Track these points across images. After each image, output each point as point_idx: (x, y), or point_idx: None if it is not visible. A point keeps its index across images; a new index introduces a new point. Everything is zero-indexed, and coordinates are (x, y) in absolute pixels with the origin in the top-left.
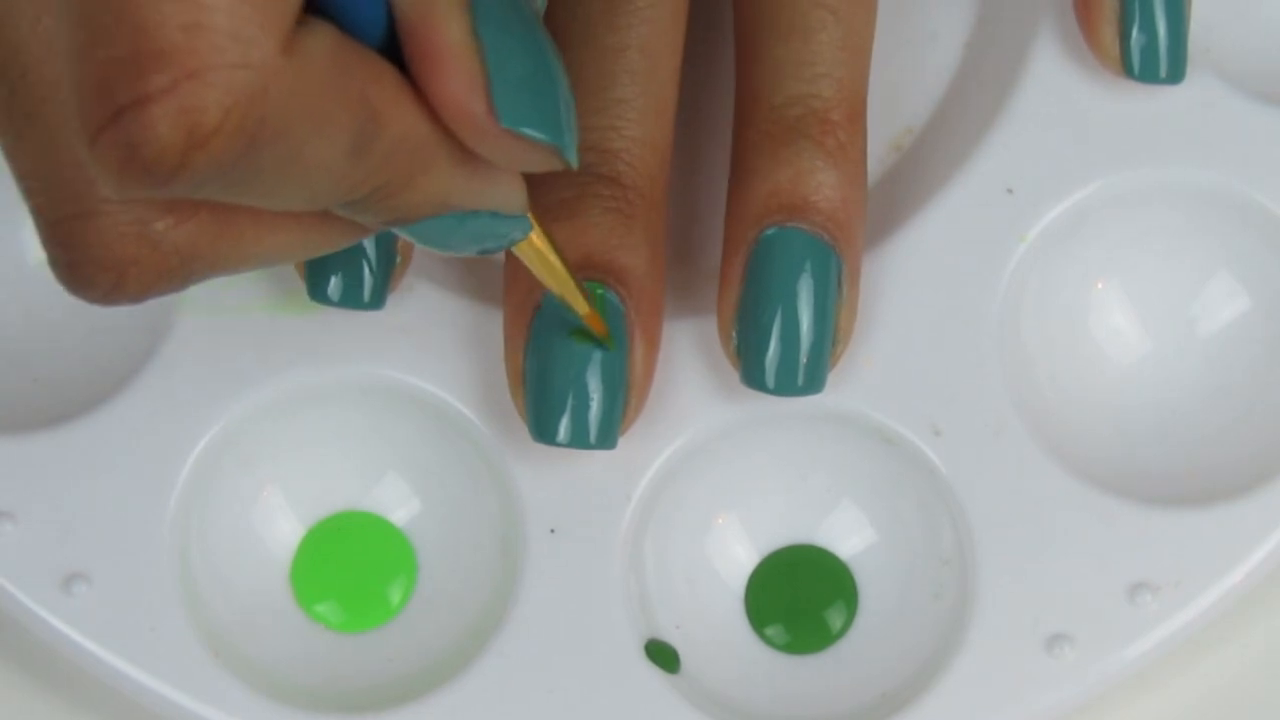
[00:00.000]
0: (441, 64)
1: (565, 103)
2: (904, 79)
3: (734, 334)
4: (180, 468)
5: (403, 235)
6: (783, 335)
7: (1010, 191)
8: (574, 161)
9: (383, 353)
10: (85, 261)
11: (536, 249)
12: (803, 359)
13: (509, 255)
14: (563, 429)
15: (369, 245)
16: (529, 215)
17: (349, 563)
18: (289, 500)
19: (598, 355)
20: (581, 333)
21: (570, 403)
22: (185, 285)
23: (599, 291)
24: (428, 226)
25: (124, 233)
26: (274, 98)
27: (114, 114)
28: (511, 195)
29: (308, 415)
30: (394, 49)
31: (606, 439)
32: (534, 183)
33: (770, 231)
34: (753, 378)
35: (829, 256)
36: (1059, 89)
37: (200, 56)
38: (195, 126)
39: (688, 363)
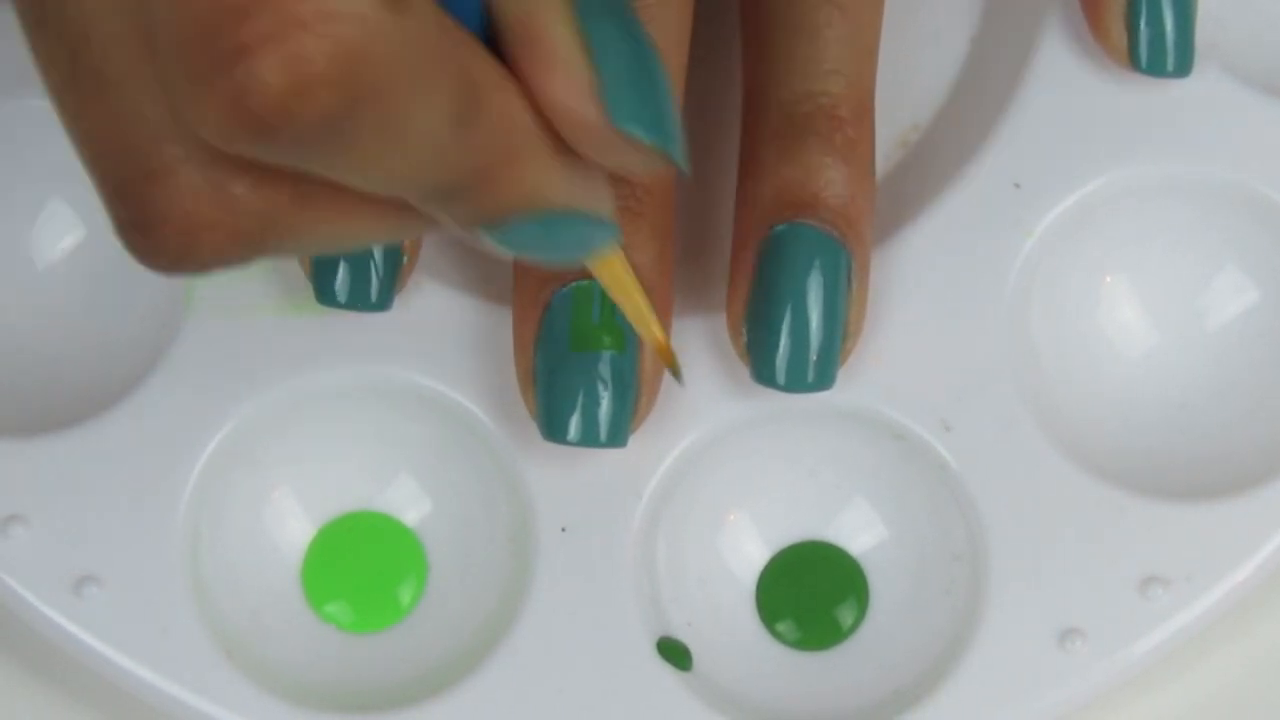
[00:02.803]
0: (549, 63)
1: (673, 102)
2: (910, 75)
3: (744, 330)
4: (190, 469)
5: (489, 240)
6: (793, 332)
7: (1017, 186)
8: (684, 166)
9: (393, 353)
10: (157, 222)
11: (614, 268)
12: (813, 355)
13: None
14: (573, 428)
15: (374, 247)
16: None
17: (359, 563)
18: (299, 501)
19: (607, 354)
20: (586, 338)
21: (580, 401)
22: (257, 256)
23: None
24: (517, 229)
25: (199, 192)
26: (379, 52)
27: (219, 61)
28: (602, 200)
29: (318, 416)
30: (489, 42)
31: (617, 437)
32: None
33: (780, 228)
34: (763, 374)
35: (839, 252)
36: (1065, 83)
37: (307, 4)
38: (301, 75)
39: (698, 360)
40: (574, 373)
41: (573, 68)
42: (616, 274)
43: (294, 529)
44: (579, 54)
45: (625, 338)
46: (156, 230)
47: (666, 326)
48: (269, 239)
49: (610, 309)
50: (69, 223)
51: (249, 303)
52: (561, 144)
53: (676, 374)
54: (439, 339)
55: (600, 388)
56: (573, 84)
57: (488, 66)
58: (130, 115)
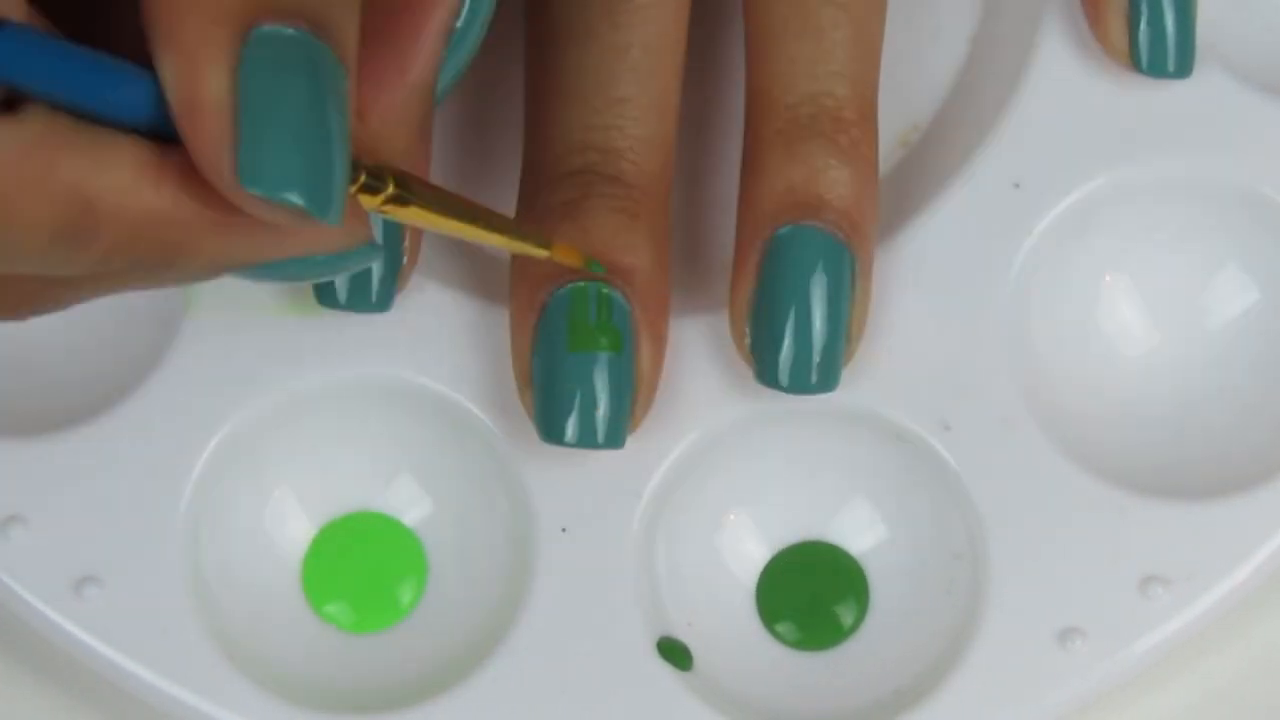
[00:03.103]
0: (193, 119)
1: (324, 161)
2: (910, 75)
3: (747, 331)
4: (191, 469)
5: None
6: (797, 333)
7: (1018, 186)
8: (333, 221)
9: (392, 353)
10: None
11: (424, 217)
12: (816, 357)
13: (514, 256)
14: (570, 429)
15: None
16: (415, 216)
17: (360, 563)
18: (299, 501)
19: (604, 355)
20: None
21: (578, 403)
22: (60, 307)
23: (604, 291)
24: (251, 273)
25: None
26: None
27: None
28: (321, 239)
29: (318, 416)
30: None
31: (615, 439)
32: (539, 185)
33: (785, 230)
34: (767, 375)
35: (843, 254)
36: (1065, 83)
37: None
38: None
39: (697, 360)
40: (571, 374)
41: (211, 125)
42: (425, 219)
43: (294, 529)
44: (222, 110)
45: (622, 339)
46: None
47: (664, 328)
48: (62, 296)
49: (608, 310)
50: None
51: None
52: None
53: (538, 248)
54: (439, 339)
55: (597, 389)
56: (208, 141)
57: (122, 171)
58: None
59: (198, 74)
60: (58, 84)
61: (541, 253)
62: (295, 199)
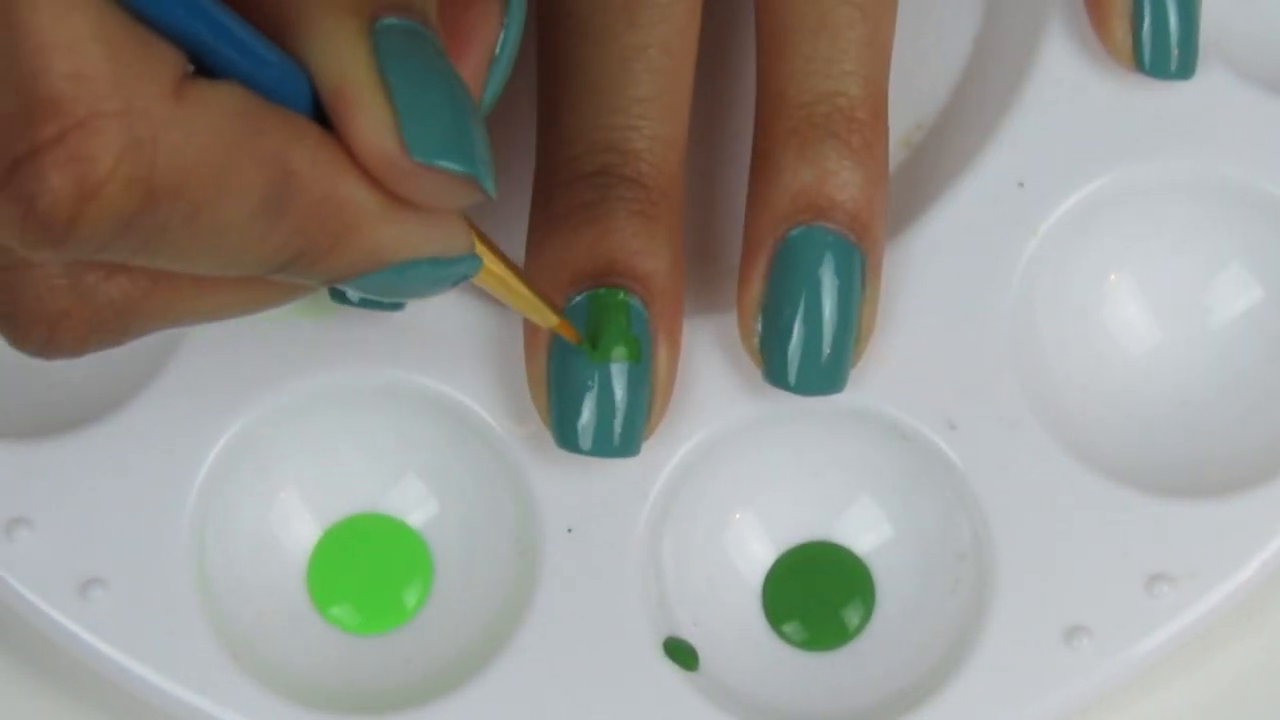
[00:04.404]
0: (350, 107)
1: (477, 132)
2: (914, 74)
3: (757, 331)
4: (197, 471)
5: (350, 290)
6: (806, 334)
7: (1022, 185)
8: (492, 191)
9: (400, 355)
10: (19, 314)
11: (496, 276)
12: (825, 358)
13: (528, 261)
14: (587, 437)
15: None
16: (479, 251)
17: (365, 565)
18: (305, 502)
19: (623, 364)
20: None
21: (595, 411)
22: (123, 339)
23: (620, 297)
24: (368, 281)
25: (54, 285)
26: (166, 146)
27: (10, 168)
28: (451, 239)
29: (324, 417)
30: (321, 117)
31: (630, 447)
32: (555, 187)
33: (796, 231)
34: (775, 375)
35: (853, 255)
36: (1069, 82)
37: (85, 104)
38: (85, 175)
39: (704, 359)
40: (587, 382)
41: (372, 108)
42: (494, 277)
43: (300, 531)
44: (378, 95)
45: (640, 347)
46: (18, 319)
47: (679, 333)
48: (130, 324)
49: (626, 318)
50: None
51: None
52: (396, 200)
53: (577, 342)
54: (445, 342)
55: (614, 397)
56: (371, 123)
57: (307, 146)
58: None
59: (345, 61)
60: (235, 55)
61: (551, 320)
62: (465, 167)
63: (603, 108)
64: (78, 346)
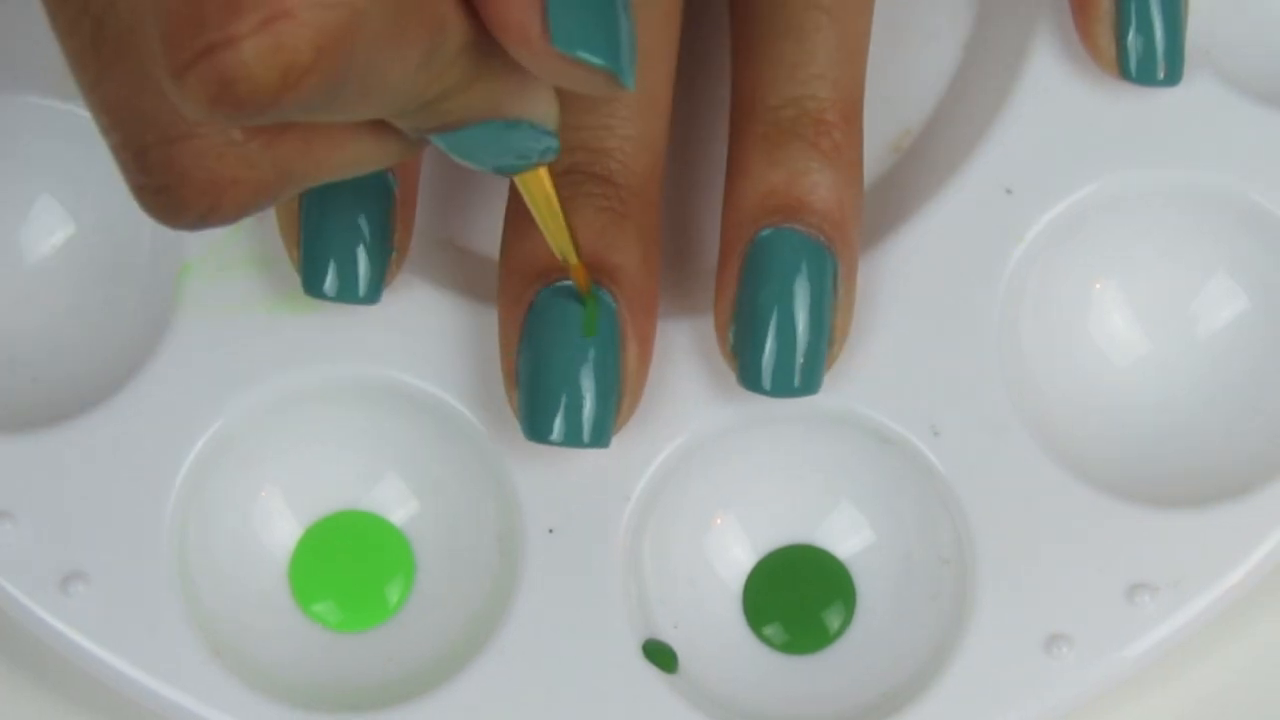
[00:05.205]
0: None
1: (625, 26)
2: (902, 80)
3: (730, 335)
4: (179, 467)
5: (440, 145)
6: (779, 336)
7: (1009, 192)
8: (631, 86)
9: (381, 352)
10: (179, 186)
11: (543, 185)
12: (799, 360)
13: (503, 255)
14: (556, 427)
15: (364, 238)
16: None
17: (347, 562)
18: (287, 500)
19: (591, 354)
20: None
21: (564, 401)
22: (277, 200)
23: (591, 289)
24: (469, 135)
25: (220, 153)
26: (362, 30)
27: (204, 50)
28: (550, 107)
29: (306, 414)
30: None
31: (600, 438)
32: None
33: (765, 233)
34: (749, 379)
35: (824, 257)
36: (1057, 90)
37: None
38: (290, 65)
39: (685, 362)
40: (557, 373)
41: None
42: (544, 191)
43: (282, 528)
44: None
45: (600, 328)
46: (179, 192)
47: (651, 329)
48: (287, 184)
49: (594, 308)
50: (59, 219)
51: (240, 300)
52: (513, 62)
53: (591, 313)
54: (427, 339)
55: (583, 388)
56: (518, 3)
57: (456, 3)
58: (149, 83)
59: None
60: None
61: (573, 259)
62: (606, 62)
63: (574, 107)
64: (238, 212)
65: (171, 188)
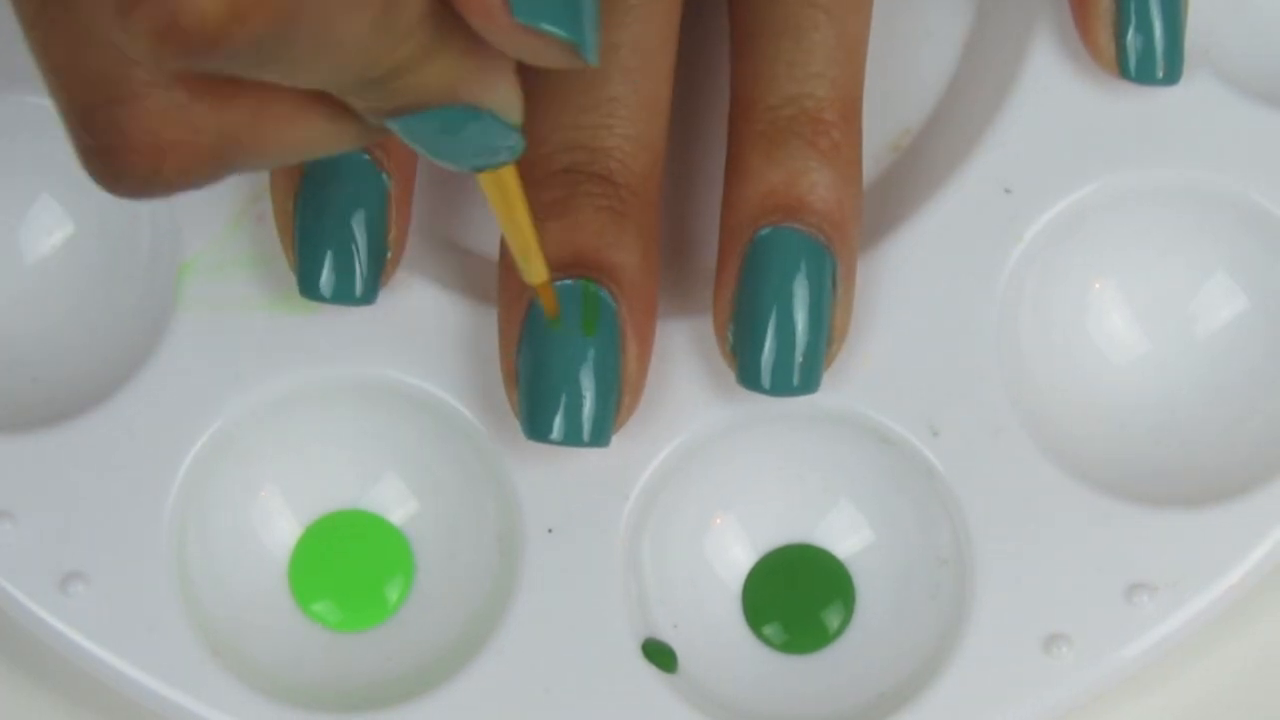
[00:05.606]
0: None
1: (589, 7)
2: (902, 79)
3: (729, 334)
4: (178, 467)
5: (403, 136)
6: (778, 335)
7: (1008, 191)
8: (594, 60)
9: (380, 351)
10: (123, 147)
11: (508, 187)
12: (798, 359)
13: (502, 255)
14: (556, 426)
15: (359, 239)
16: (522, 134)
17: (346, 562)
18: (286, 499)
19: (591, 353)
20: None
21: (563, 400)
22: (218, 174)
23: (591, 289)
24: (428, 124)
25: (164, 114)
26: None
27: None
28: (512, 97)
29: (305, 414)
30: None
31: (600, 437)
32: (527, 185)
33: (764, 232)
34: (748, 378)
35: (823, 256)
36: (1057, 89)
37: None
38: (238, 3)
39: (685, 362)
40: (557, 372)
41: None
42: (509, 195)
43: (281, 527)
44: None
45: (600, 326)
46: (122, 154)
47: (650, 327)
48: (232, 156)
49: (595, 307)
50: (58, 219)
51: (238, 301)
52: (473, 40)
53: (553, 317)
54: (426, 338)
55: (583, 387)
56: None
57: None
58: (96, 42)
59: None
60: None
61: (541, 274)
62: (568, 34)
63: (573, 106)
64: (181, 179)
65: (115, 149)
